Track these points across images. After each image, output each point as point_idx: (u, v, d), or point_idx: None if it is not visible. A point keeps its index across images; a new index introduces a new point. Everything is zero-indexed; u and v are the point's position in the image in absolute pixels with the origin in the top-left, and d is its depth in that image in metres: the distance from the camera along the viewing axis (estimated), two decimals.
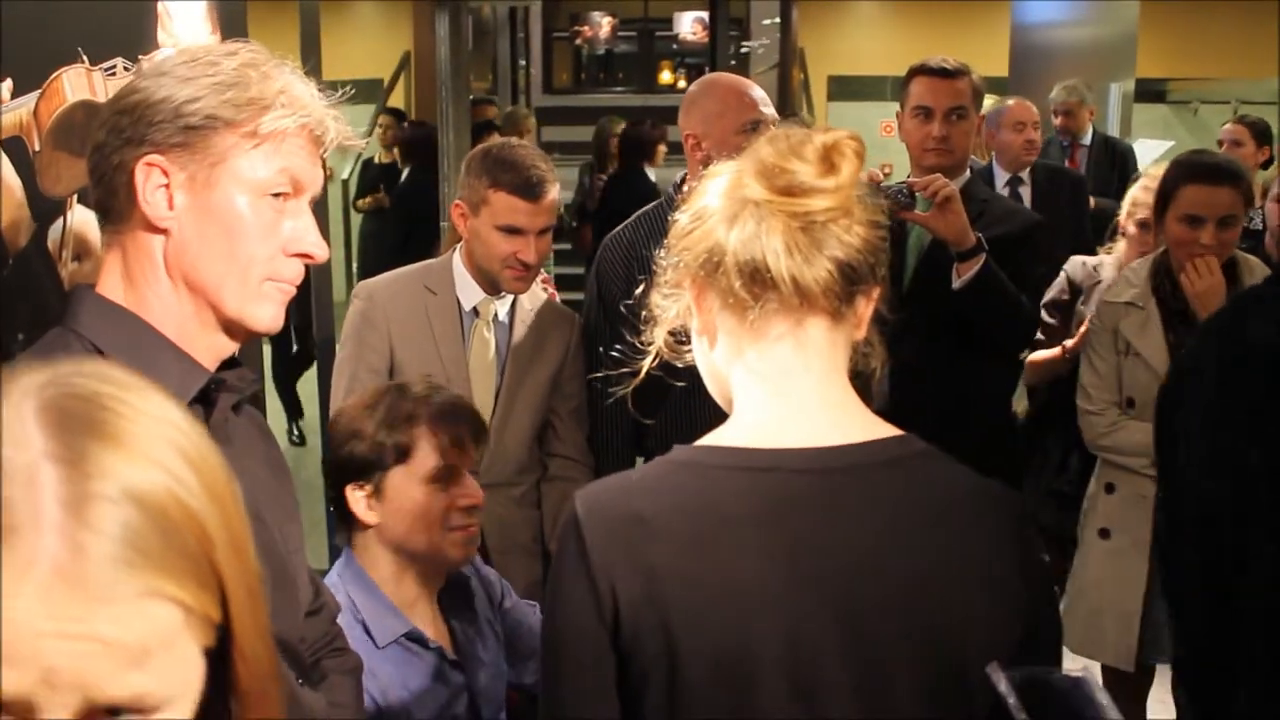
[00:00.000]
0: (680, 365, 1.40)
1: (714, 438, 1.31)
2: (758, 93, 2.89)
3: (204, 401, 1.43)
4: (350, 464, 2.07)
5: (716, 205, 1.28)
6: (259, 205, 1.37)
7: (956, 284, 2.91)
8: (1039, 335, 3.66)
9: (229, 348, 1.45)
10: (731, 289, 1.26)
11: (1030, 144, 5.15)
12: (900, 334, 3.09)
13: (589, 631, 1.23)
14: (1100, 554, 3.22)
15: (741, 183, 1.26)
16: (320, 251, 1.43)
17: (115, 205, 1.36)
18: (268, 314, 1.42)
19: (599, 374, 2.81)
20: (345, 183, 8.19)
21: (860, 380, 1.35)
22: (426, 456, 2.06)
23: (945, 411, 3.09)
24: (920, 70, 3.16)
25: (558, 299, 3.92)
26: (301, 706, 1.51)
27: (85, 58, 1.96)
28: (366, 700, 1.93)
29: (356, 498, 2.07)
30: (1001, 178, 5.12)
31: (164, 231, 1.36)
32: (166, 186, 1.34)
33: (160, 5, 2.22)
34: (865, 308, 1.31)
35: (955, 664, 1.23)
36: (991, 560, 1.26)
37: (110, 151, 1.34)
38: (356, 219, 8.07)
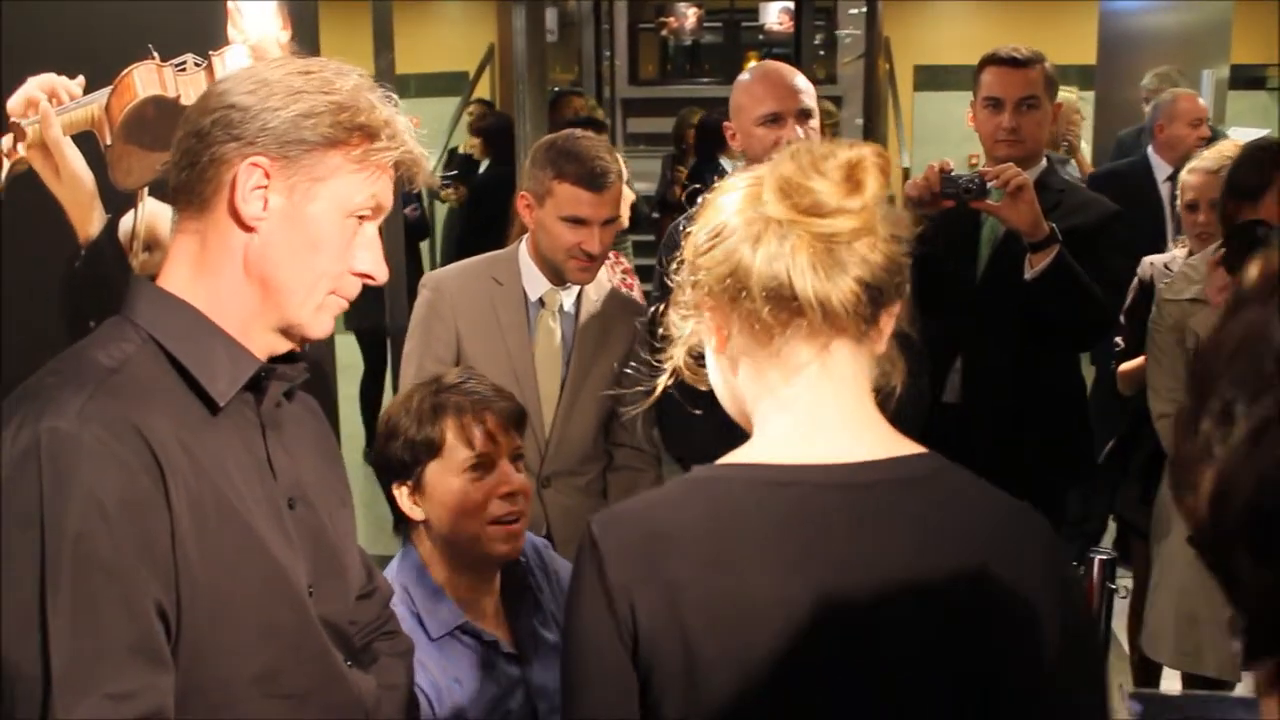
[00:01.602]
0: (702, 389, 1.38)
1: (736, 455, 1.30)
2: (790, 83, 2.86)
3: (255, 389, 1.47)
4: (391, 462, 2.11)
5: (736, 223, 1.25)
6: (345, 224, 1.44)
7: (1029, 274, 2.87)
8: (1120, 344, 3.59)
9: (282, 348, 1.50)
10: (757, 314, 1.23)
11: (1202, 140, 5.06)
12: (973, 325, 3.08)
13: (609, 651, 1.23)
14: (1189, 561, 3.12)
15: (761, 199, 1.23)
16: (382, 275, 1.50)
17: (202, 192, 1.41)
18: (325, 323, 1.49)
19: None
20: (431, 174, 8.26)
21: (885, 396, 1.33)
22: (456, 448, 2.07)
23: (1018, 407, 3.06)
24: (991, 60, 3.13)
25: (637, 289, 3.93)
26: (349, 687, 1.55)
27: (156, 54, 2.01)
28: (418, 691, 1.95)
29: (401, 495, 2.12)
30: (1163, 171, 5.02)
31: (249, 229, 1.41)
32: (265, 189, 1.40)
33: (231, 3, 2.27)
34: (887, 324, 1.29)
35: (979, 682, 1.21)
36: (1019, 579, 1.22)
37: (214, 142, 1.39)
38: (440, 209, 8.14)
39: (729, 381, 1.33)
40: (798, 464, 1.25)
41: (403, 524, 2.18)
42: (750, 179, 1.27)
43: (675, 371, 1.37)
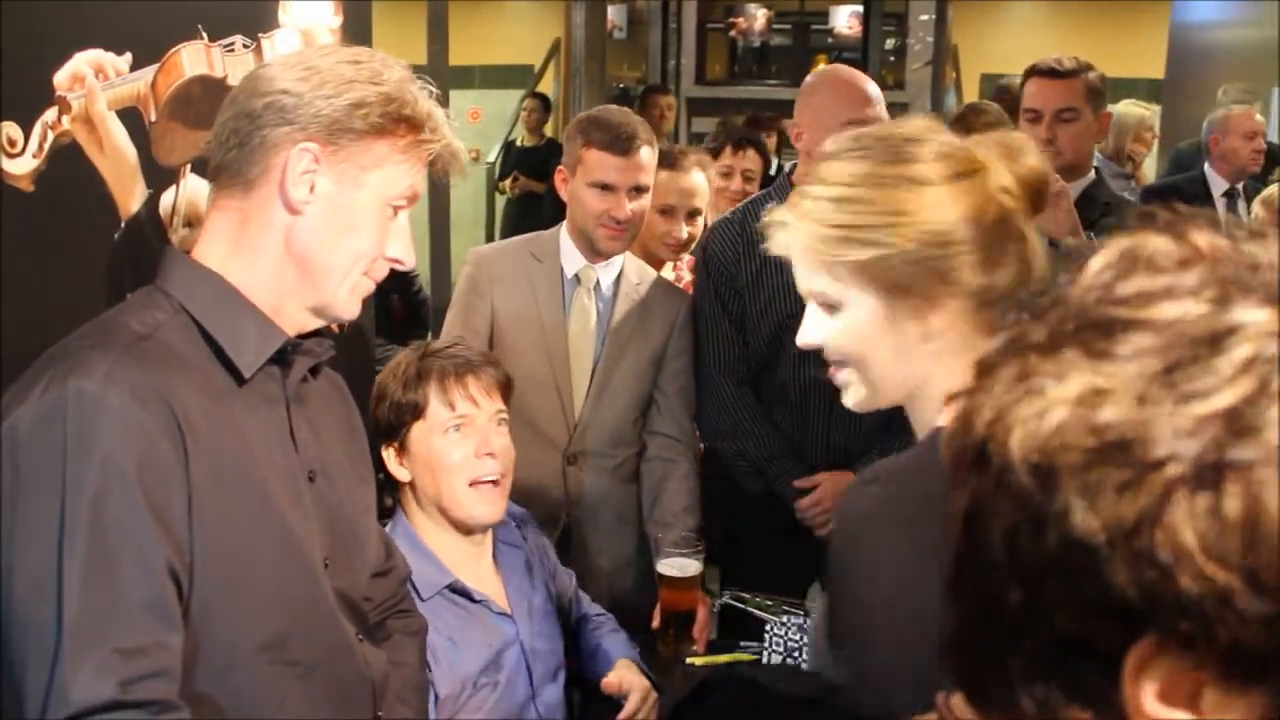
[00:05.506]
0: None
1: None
2: (868, 91, 2.85)
3: (281, 363, 1.51)
4: (379, 425, 2.19)
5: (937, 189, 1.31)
6: (384, 211, 1.48)
7: None
8: None
9: (311, 326, 1.54)
10: (961, 281, 1.30)
11: (1258, 153, 5.00)
12: None
13: (920, 608, 1.25)
14: None
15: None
16: (411, 260, 1.54)
17: (248, 173, 1.45)
18: (355, 305, 1.53)
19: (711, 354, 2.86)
20: (491, 166, 8.33)
21: None
22: (438, 410, 2.16)
23: None
24: (1032, 71, 3.13)
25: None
26: (358, 660, 1.58)
27: (204, 34, 2.05)
28: None
29: (389, 457, 2.20)
30: (1219, 186, 4.96)
31: (295, 211, 1.45)
32: (313, 173, 1.43)
33: None
34: None
35: None
36: None
37: (265, 125, 1.43)
38: (499, 201, 8.21)
39: (896, 350, 1.36)
40: None
41: (391, 488, 2.25)
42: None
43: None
